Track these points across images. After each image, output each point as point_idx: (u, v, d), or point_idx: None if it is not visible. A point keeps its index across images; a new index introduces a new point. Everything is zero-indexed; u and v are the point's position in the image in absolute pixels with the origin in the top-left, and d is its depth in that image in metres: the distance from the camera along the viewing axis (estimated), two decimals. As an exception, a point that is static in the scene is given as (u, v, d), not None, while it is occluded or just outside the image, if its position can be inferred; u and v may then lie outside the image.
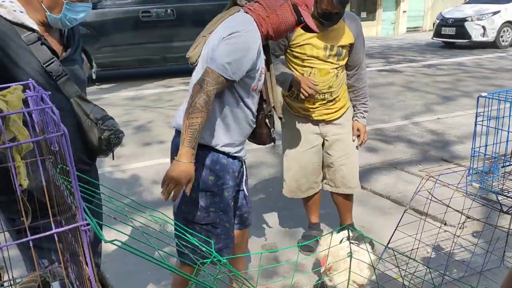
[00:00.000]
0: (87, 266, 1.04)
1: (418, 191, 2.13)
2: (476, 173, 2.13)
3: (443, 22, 14.07)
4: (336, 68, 2.79)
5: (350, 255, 1.96)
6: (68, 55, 1.77)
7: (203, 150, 2.10)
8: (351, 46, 2.82)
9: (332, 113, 2.90)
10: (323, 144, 3.01)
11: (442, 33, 14.09)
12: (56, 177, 1.16)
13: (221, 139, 2.12)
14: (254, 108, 2.17)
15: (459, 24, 13.56)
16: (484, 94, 2.01)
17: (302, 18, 2.08)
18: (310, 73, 2.76)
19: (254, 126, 2.26)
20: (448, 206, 2.13)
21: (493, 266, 2.72)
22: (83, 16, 1.72)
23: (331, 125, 2.93)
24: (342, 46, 2.76)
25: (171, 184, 1.91)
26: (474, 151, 2.13)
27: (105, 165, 4.56)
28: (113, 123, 1.75)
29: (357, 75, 2.94)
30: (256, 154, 5.10)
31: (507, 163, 2.11)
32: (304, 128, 2.95)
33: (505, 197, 2.03)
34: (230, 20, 2.09)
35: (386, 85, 8.66)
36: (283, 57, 2.90)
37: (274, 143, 2.41)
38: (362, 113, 3.01)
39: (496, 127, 2.03)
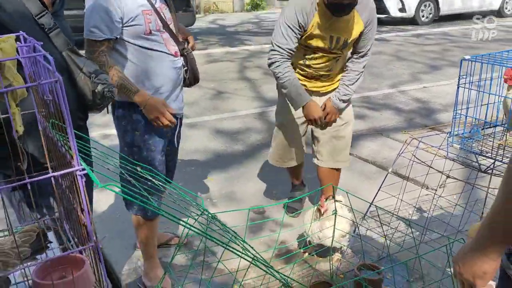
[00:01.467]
0: (83, 213, 1.08)
1: (402, 153, 2.20)
2: (457, 135, 2.20)
3: None
4: (339, 55, 2.71)
5: (335, 212, 2.03)
6: (56, 9, 1.77)
7: (128, 106, 2.18)
8: (360, 34, 2.65)
9: (328, 85, 2.86)
10: None
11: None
12: (49, 129, 1.19)
13: (142, 89, 2.15)
14: (165, 49, 2.17)
15: None
16: (467, 57, 2.05)
17: None
18: (312, 57, 2.70)
19: (179, 66, 2.25)
20: (430, 166, 2.20)
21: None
22: None
23: (324, 98, 2.86)
24: (350, 37, 2.62)
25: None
26: (455, 113, 2.19)
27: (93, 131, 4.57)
28: (105, 77, 1.77)
29: (357, 60, 2.80)
30: (244, 120, 5.15)
31: (487, 126, 2.18)
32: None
33: (484, 158, 2.10)
34: None
35: (375, 54, 8.67)
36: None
37: (193, 84, 2.41)
38: (340, 96, 2.79)
39: (478, 90, 2.08)
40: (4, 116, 1.15)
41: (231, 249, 1.20)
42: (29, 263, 1.05)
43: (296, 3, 2.55)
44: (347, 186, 3.63)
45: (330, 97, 2.81)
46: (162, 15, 2.14)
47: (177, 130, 2.37)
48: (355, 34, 2.61)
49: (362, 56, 2.77)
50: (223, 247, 1.16)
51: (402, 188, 2.71)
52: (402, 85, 6.58)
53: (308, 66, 2.74)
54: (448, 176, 2.34)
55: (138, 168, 1.28)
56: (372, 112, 5.45)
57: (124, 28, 2.05)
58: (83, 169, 0.94)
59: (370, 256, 2.63)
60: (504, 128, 2.22)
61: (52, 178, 1.10)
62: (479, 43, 9.53)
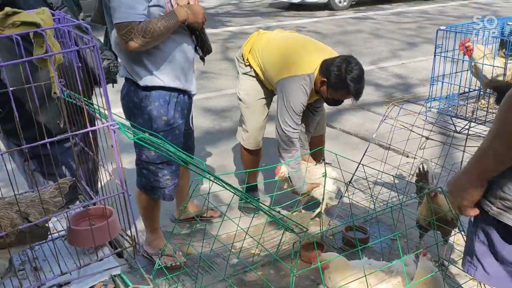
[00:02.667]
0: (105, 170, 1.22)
1: (385, 119, 2.37)
2: (434, 99, 2.38)
3: None
4: None
5: (325, 174, 2.21)
6: None
7: (153, 91, 2.26)
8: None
9: None
10: None
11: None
12: (71, 95, 1.32)
13: (167, 75, 2.25)
14: (182, 29, 2.25)
15: None
16: (442, 27, 2.22)
17: None
18: None
19: (192, 45, 2.34)
20: (411, 130, 2.39)
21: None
22: None
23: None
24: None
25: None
26: (432, 80, 2.37)
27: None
28: (110, 54, 1.88)
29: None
30: (230, 99, 5.27)
31: (462, 92, 2.36)
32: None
33: (460, 120, 2.29)
34: None
35: (354, 32, 8.85)
36: None
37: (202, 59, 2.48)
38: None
39: (453, 58, 2.26)
40: (13, 88, 1.27)
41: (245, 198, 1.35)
42: (64, 211, 1.19)
43: (303, 87, 2.67)
44: (332, 157, 3.81)
45: None
46: None
47: (191, 111, 2.48)
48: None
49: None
50: (232, 192, 1.31)
51: (383, 156, 2.90)
52: (381, 62, 6.77)
53: None
54: (427, 138, 2.53)
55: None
56: (354, 88, 5.64)
57: (150, 8, 2.10)
58: (116, 124, 1.08)
59: (356, 217, 2.82)
60: (477, 93, 2.41)
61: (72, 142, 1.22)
62: (455, 19, 9.77)
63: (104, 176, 1.37)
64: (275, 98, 2.97)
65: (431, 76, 2.38)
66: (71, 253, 1.26)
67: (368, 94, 5.39)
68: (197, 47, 2.37)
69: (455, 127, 2.29)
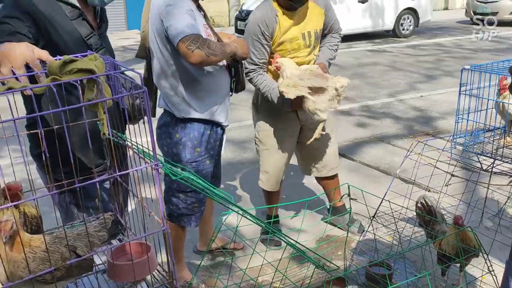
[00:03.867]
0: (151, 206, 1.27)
1: (409, 154, 2.40)
2: (459, 137, 2.41)
3: None
4: (316, 45, 2.80)
5: (350, 210, 2.22)
6: (102, 31, 1.96)
7: (188, 123, 2.34)
8: (324, 21, 2.79)
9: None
10: (299, 131, 3.00)
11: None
12: (113, 133, 1.38)
13: (203, 108, 2.33)
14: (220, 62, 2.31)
15: None
16: (467, 67, 2.27)
17: None
18: (295, 56, 2.74)
19: (228, 80, 2.40)
20: (435, 167, 2.40)
21: (473, 226, 3.02)
22: None
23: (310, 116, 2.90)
24: (318, 27, 2.74)
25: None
26: (458, 118, 2.40)
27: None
28: (138, 82, 1.95)
29: (331, 35, 2.91)
30: (250, 130, 5.33)
31: (487, 129, 2.38)
32: (283, 117, 2.89)
33: (485, 158, 2.31)
34: (155, 1, 2.24)
35: (371, 64, 8.94)
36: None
37: (235, 91, 2.51)
38: (326, 57, 2.85)
39: (478, 96, 2.30)
40: (58, 126, 1.34)
41: (277, 233, 1.38)
42: (107, 246, 1.23)
43: (255, 16, 2.68)
44: (352, 190, 3.82)
45: (318, 60, 2.86)
46: (209, 31, 2.34)
47: (224, 141, 2.55)
48: (320, 21, 2.76)
49: (335, 33, 2.92)
50: (263, 226, 1.34)
51: (407, 191, 2.90)
52: (399, 94, 6.82)
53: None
54: (452, 175, 2.54)
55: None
56: (373, 120, 5.68)
57: None
58: (159, 164, 1.13)
59: (379, 253, 2.81)
60: (502, 131, 2.43)
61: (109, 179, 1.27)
62: (472, 53, 9.82)
63: (136, 209, 1.41)
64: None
65: (456, 114, 2.41)
66: (110, 287, 1.30)
67: (387, 126, 5.42)
68: (233, 82, 2.44)
69: (481, 165, 2.31)
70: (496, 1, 13.48)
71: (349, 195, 2.23)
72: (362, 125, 5.50)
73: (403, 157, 2.65)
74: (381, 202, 2.36)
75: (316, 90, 2.53)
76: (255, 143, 3.08)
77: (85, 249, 1.13)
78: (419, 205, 2.56)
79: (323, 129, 2.78)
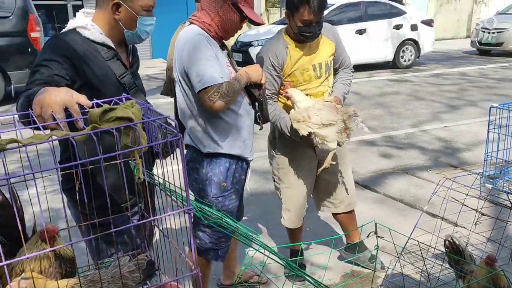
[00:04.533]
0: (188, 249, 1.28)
1: (436, 192, 2.37)
2: (488, 175, 2.37)
3: None
4: (328, 85, 2.84)
5: (377, 248, 2.19)
6: (134, 69, 2.03)
7: (214, 158, 2.37)
8: (334, 54, 2.83)
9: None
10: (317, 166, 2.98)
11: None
12: (146, 173, 1.41)
13: (228, 143, 2.37)
14: (244, 99, 2.38)
15: None
16: (495, 104, 2.25)
17: (244, 13, 2.28)
18: (306, 88, 2.77)
19: (251, 114, 2.44)
20: (463, 204, 2.37)
21: (502, 263, 2.95)
22: (151, 29, 1.95)
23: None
24: (328, 59, 2.78)
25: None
26: (487, 156, 2.37)
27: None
28: (173, 128, 1.99)
29: (343, 70, 2.94)
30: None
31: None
32: (300, 152, 2.90)
33: (515, 197, 2.26)
34: (178, 42, 2.30)
35: (393, 94, 8.93)
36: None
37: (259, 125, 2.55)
38: (341, 93, 2.86)
39: (506, 134, 2.27)
40: (92, 166, 1.37)
41: (303, 274, 1.38)
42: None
43: (266, 48, 2.74)
44: (378, 225, 3.77)
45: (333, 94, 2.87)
46: (232, 68, 2.40)
47: (248, 175, 2.58)
48: (330, 52, 2.79)
49: (346, 68, 2.95)
50: (288, 268, 1.33)
51: (435, 226, 2.85)
52: (423, 124, 6.77)
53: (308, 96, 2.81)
54: (482, 214, 2.49)
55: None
56: (396, 150, 5.63)
57: None
58: (192, 208, 1.15)
59: (407, 291, 2.75)
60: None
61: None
62: (497, 82, 9.72)
63: (165, 247, 1.42)
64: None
65: (485, 151, 2.38)
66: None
67: (412, 157, 5.36)
68: (258, 116, 2.47)
69: (510, 203, 2.27)
70: (501, 31, 13.42)
71: (376, 233, 2.20)
72: (386, 156, 5.46)
73: (428, 189, 2.63)
74: (408, 240, 2.32)
75: (328, 125, 2.57)
76: (274, 181, 3.09)
77: (118, 292, 1.15)
78: (446, 243, 2.51)
79: (334, 159, 2.78)
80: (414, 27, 11.93)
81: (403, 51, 12.02)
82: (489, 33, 13.71)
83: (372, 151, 5.67)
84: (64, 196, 1.97)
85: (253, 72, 2.35)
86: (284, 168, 2.96)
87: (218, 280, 3.07)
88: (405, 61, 12.11)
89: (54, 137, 1.01)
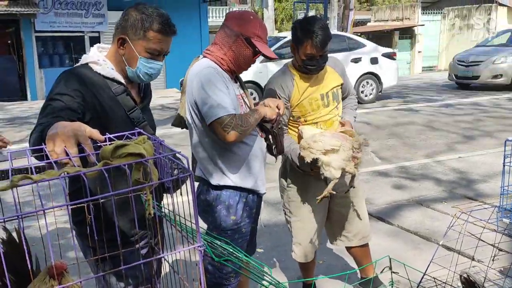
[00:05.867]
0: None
1: (452, 226, 2.32)
2: (505, 209, 2.32)
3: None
4: (338, 114, 2.85)
5: (392, 283, 2.14)
6: (144, 105, 2.05)
7: (223, 190, 2.36)
8: (341, 86, 2.87)
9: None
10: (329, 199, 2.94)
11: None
12: (156, 208, 1.41)
13: (238, 176, 2.35)
14: (255, 132, 2.37)
15: None
16: (511, 138, 2.23)
17: (256, 48, 2.29)
18: (314, 118, 2.78)
19: (263, 147, 2.44)
20: (479, 239, 2.31)
21: (522, 300, 2.85)
22: (154, 73, 1.95)
23: (340, 179, 2.85)
24: (336, 88, 2.81)
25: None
26: (503, 189, 2.33)
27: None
28: (180, 162, 2.00)
29: (349, 97, 3.00)
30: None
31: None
32: (312, 185, 2.86)
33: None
34: (190, 76, 2.33)
35: (406, 124, 8.89)
36: None
37: (275, 157, 2.54)
38: (352, 117, 2.91)
39: (523, 167, 2.23)
40: (103, 200, 1.37)
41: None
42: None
43: (272, 80, 2.78)
44: (392, 256, 3.69)
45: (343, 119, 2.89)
46: (246, 100, 2.42)
47: (261, 208, 2.56)
48: (337, 84, 2.82)
49: (351, 95, 3.01)
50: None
51: (451, 260, 2.78)
52: (437, 155, 6.70)
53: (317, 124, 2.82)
54: (500, 249, 2.43)
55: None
56: (410, 182, 5.56)
57: None
58: (203, 245, 1.13)
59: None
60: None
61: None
62: (511, 112, 9.64)
63: (175, 283, 1.40)
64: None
65: (501, 185, 2.34)
66: None
67: (426, 189, 5.29)
68: (272, 148, 2.46)
69: (530, 239, 2.21)
70: (477, 65, 13.22)
71: (390, 268, 2.15)
72: (400, 187, 5.39)
73: (443, 222, 2.58)
74: (423, 276, 2.26)
75: (332, 151, 2.55)
76: (285, 214, 3.05)
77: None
78: (462, 279, 2.44)
79: (347, 191, 2.78)
80: (374, 60, 11.65)
81: (363, 85, 11.70)
82: (465, 66, 13.51)
83: (386, 182, 5.61)
84: (73, 230, 1.98)
85: (268, 109, 2.34)
86: (295, 201, 2.94)
87: (229, 315, 3.01)
88: (366, 95, 11.76)
89: (66, 173, 1.01)
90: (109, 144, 1.13)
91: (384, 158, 6.61)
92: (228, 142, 2.23)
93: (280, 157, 2.71)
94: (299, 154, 2.61)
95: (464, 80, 13.83)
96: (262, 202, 2.63)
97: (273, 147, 2.46)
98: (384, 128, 8.49)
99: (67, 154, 1.22)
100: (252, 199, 2.44)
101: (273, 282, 1.56)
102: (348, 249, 3.12)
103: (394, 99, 12.09)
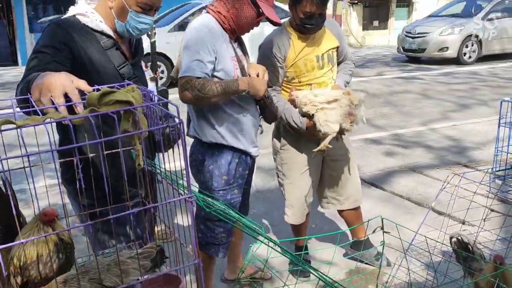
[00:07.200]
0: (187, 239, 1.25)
1: (444, 188, 2.32)
2: (498, 171, 2.32)
3: None
4: (332, 77, 2.82)
5: (383, 243, 2.16)
6: (136, 61, 2.00)
7: (215, 150, 2.35)
8: (337, 48, 2.83)
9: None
10: (322, 163, 2.96)
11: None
12: (146, 162, 1.38)
13: (230, 136, 2.34)
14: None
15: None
16: (506, 98, 2.21)
17: (260, 9, 2.24)
18: (310, 89, 2.76)
19: (256, 110, 2.43)
20: (472, 200, 2.32)
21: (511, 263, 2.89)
22: (144, 28, 1.89)
23: (333, 142, 2.84)
24: (331, 50, 2.77)
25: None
26: (497, 151, 2.32)
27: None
28: (173, 121, 1.97)
29: (346, 62, 2.94)
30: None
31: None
32: (304, 147, 2.87)
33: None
34: (187, 30, 2.32)
35: (402, 92, 8.85)
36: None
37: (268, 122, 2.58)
38: (343, 82, 2.86)
39: (518, 128, 2.22)
40: (92, 155, 1.35)
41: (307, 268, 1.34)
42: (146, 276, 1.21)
43: (268, 39, 2.72)
44: (386, 225, 3.73)
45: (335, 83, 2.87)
46: (244, 63, 2.37)
47: (253, 171, 2.55)
48: (333, 46, 2.78)
49: (348, 60, 2.95)
50: (292, 260, 1.30)
51: (441, 224, 2.80)
52: (431, 123, 6.69)
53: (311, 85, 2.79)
54: (491, 210, 2.44)
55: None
56: (404, 149, 5.57)
57: (215, 73, 2.25)
58: (194, 196, 1.12)
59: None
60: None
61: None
62: (507, 82, 9.60)
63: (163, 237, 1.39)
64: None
65: (495, 146, 2.34)
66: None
67: (419, 156, 5.30)
68: (265, 112, 2.46)
69: (521, 200, 2.22)
70: (423, 36, 12.36)
71: (382, 228, 2.16)
72: (393, 154, 5.40)
73: (436, 188, 2.58)
74: (415, 236, 2.28)
75: (330, 108, 2.56)
76: (278, 177, 3.05)
77: (114, 280, 1.12)
78: (454, 240, 2.47)
79: (339, 154, 2.79)
80: None
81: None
82: (412, 38, 12.64)
83: (379, 149, 5.61)
84: (63, 187, 1.96)
85: (256, 84, 2.28)
86: (288, 163, 2.93)
87: (222, 274, 3.04)
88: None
89: (51, 119, 0.98)
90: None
91: (378, 126, 6.60)
92: (182, 101, 2.22)
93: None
94: (302, 110, 2.59)
95: (411, 53, 12.93)
96: (256, 166, 2.62)
97: (260, 117, 2.46)
98: (380, 97, 8.45)
99: (53, 105, 1.19)
100: (245, 160, 2.43)
101: (266, 238, 1.56)
102: (340, 212, 3.14)
103: (390, 67, 12.00)
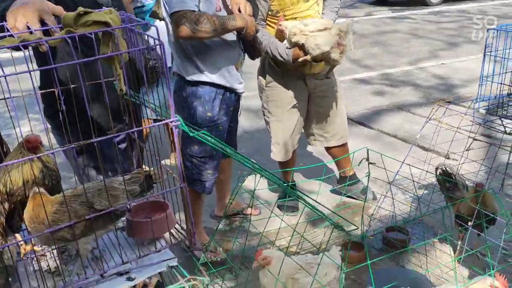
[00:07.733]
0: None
1: (430, 119, 2.34)
2: (482, 100, 2.34)
3: None
4: (318, 11, 2.75)
5: (368, 174, 2.20)
6: None
7: (199, 87, 2.32)
8: None
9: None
10: (308, 100, 2.95)
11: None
12: (128, 90, 1.37)
13: (213, 72, 2.32)
14: None
15: None
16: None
17: None
18: (294, 13, 2.69)
19: (238, 45, 2.40)
20: (457, 130, 2.35)
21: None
22: None
23: (319, 80, 2.88)
24: None
25: None
26: (482, 80, 2.33)
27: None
28: (157, 53, 1.93)
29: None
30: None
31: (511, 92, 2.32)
32: (290, 84, 2.85)
33: (509, 121, 2.24)
34: None
35: (391, 32, 8.73)
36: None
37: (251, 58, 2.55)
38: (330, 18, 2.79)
39: (504, 57, 2.22)
40: (73, 86, 1.32)
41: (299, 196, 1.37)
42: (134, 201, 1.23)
43: None
44: (371, 158, 3.78)
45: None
46: (229, 3, 2.30)
47: (239, 108, 2.53)
48: None
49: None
50: (281, 185, 1.33)
51: (426, 158, 2.85)
52: (420, 62, 6.66)
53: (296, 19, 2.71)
54: (474, 139, 2.48)
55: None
56: (392, 88, 5.57)
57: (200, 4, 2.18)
58: (178, 120, 1.11)
59: (397, 219, 2.80)
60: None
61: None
62: (497, 19, 9.49)
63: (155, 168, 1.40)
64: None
65: (480, 76, 2.34)
66: (130, 244, 1.31)
67: (407, 94, 5.32)
68: (243, 55, 2.44)
69: (504, 128, 2.25)
70: None
71: (367, 159, 2.20)
72: (381, 93, 5.41)
73: (422, 125, 2.59)
74: (400, 167, 2.32)
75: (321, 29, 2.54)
76: (264, 114, 3.04)
77: (104, 203, 1.13)
78: (439, 171, 2.52)
79: (325, 91, 2.78)
80: None
81: None
82: None
83: (367, 88, 5.61)
84: (48, 123, 1.94)
85: (250, 23, 2.25)
86: (274, 100, 2.92)
87: (212, 211, 3.10)
88: None
89: (26, 41, 0.96)
90: (73, 15, 1.06)
91: (367, 66, 6.56)
92: (179, 37, 2.16)
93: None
94: (292, 40, 2.54)
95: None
96: (244, 107, 2.61)
97: (243, 54, 2.42)
98: (368, 37, 8.34)
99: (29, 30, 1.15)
100: (229, 96, 2.41)
101: (258, 166, 1.57)
102: (328, 149, 3.17)
103: (379, 6, 11.76)
